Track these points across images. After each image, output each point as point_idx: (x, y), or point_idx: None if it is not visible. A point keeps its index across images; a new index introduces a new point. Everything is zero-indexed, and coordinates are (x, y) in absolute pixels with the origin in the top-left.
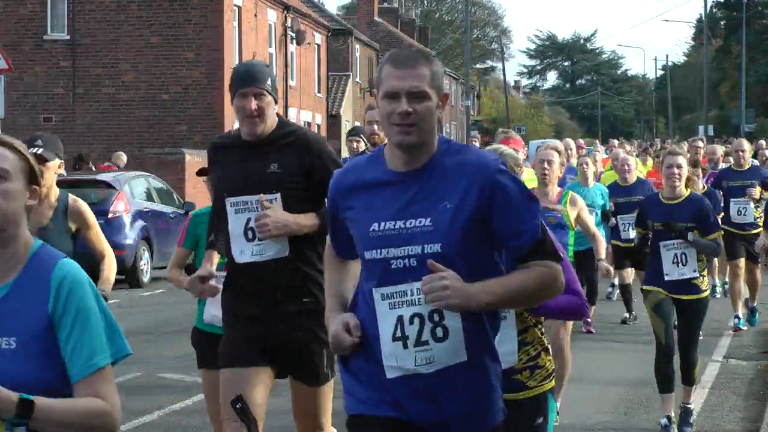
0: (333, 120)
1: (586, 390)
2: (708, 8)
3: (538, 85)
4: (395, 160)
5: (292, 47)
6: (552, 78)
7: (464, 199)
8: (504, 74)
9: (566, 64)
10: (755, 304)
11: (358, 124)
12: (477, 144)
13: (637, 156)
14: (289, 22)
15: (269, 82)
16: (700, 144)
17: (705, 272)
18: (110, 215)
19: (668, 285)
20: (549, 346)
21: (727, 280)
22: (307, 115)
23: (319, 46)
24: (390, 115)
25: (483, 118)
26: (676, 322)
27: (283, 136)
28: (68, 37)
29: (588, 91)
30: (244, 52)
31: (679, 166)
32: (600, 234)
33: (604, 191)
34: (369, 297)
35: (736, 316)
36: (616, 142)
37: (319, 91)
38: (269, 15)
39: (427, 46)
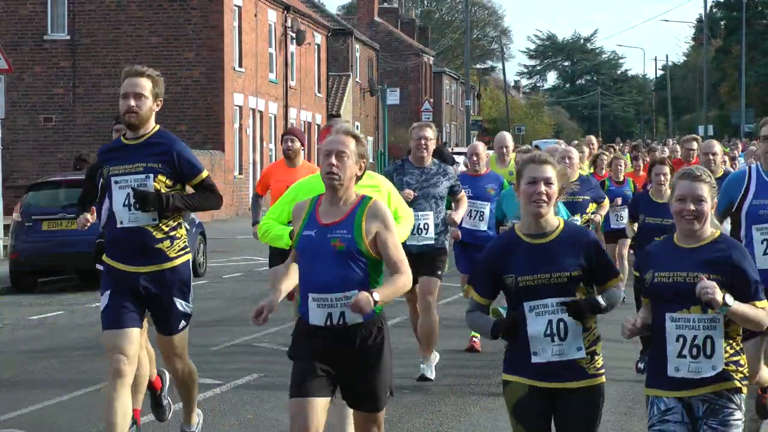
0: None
1: None
2: (708, 8)
3: (538, 85)
4: None
5: (292, 47)
6: (552, 78)
7: None
8: (504, 74)
9: (566, 64)
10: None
11: (358, 124)
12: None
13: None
14: (289, 22)
15: None
16: (695, 146)
17: (598, 347)
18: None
19: (536, 370)
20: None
21: None
22: (307, 115)
23: (319, 46)
24: None
25: (483, 118)
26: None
27: None
28: (68, 37)
29: (588, 91)
30: (244, 52)
31: (549, 182)
32: (406, 274)
33: None
34: None
35: None
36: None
37: (319, 91)
38: (269, 15)
39: (427, 46)
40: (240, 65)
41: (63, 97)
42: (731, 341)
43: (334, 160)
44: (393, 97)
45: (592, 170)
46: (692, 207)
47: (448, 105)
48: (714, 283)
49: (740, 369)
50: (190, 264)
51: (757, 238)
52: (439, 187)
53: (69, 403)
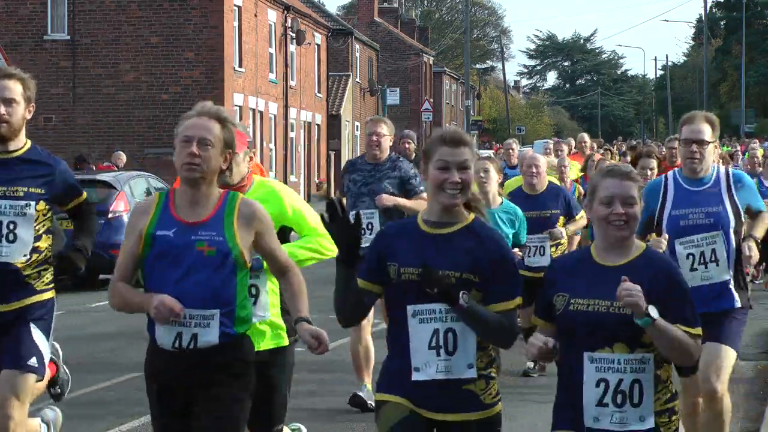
0: (333, 120)
1: None
2: (708, 8)
3: (538, 85)
4: None
5: (292, 47)
6: (552, 78)
7: None
8: (504, 74)
9: (566, 64)
10: None
11: (358, 124)
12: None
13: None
14: (289, 22)
15: None
16: (676, 144)
17: (494, 370)
18: (110, 215)
19: (418, 391)
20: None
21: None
22: (307, 115)
23: (319, 46)
24: None
25: (483, 118)
26: None
27: None
28: (68, 37)
29: (588, 91)
30: (244, 52)
31: (463, 167)
32: (298, 273)
33: (513, 212)
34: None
35: None
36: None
37: (319, 91)
38: (269, 15)
39: (427, 46)
40: (240, 65)
41: (63, 97)
42: (665, 384)
43: (195, 149)
44: (393, 97)
45: (582, 174)
46: (621, 210)
47: (448, 105)
48: (638, 287)
49: (674, 419)
50: (54, 304)
51: (681, 252)
52: (384, 183)
53: (69, 403)
